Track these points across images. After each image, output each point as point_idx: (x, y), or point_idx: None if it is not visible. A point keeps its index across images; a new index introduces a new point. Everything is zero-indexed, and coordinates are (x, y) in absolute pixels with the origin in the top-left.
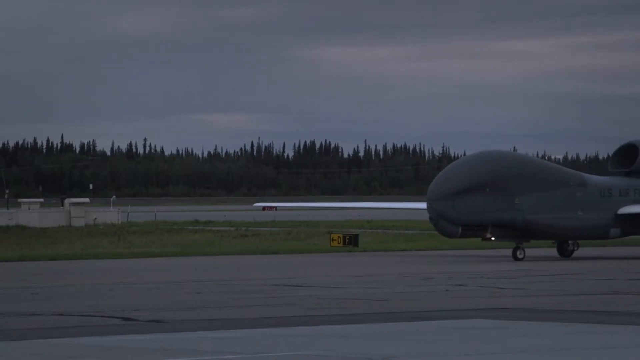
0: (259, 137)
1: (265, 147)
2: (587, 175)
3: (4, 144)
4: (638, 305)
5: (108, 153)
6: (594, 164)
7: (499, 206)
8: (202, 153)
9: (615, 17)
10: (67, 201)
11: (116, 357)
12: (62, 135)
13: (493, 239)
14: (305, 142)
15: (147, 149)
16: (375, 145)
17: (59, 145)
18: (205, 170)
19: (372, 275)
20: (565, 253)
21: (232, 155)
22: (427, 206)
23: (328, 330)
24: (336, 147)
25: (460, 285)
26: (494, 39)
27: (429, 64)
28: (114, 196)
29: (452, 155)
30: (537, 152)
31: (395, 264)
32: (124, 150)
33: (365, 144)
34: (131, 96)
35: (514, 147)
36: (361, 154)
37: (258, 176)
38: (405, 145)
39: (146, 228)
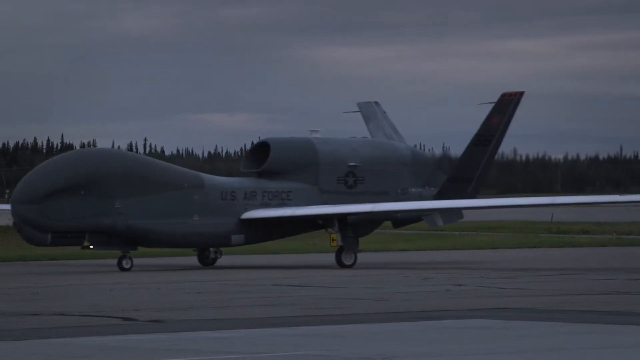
0: (259, 137)
1: None
2: (206, 176)
3: (4, 144)
4: (638, 305)
5: None
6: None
7: (96, 210)
8: (202, 153)
9: (616, 17)
10: None
11: (116, 357)
12: (62, 135)
13: (92, 247)
14: None
15: (147, 149)
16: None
17: (59, 145)
18: (206, 170)
19: (372, 275)
20: (206, 261)
21: (233, 155)
22: (11, 210)
23: (328, 330)
24: None
25: (460, 285)
26: (494, 39)
27: (428, 64)
28: None
29: (453, 155)
30: (537, 152)
31: (396, 264)
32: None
33: None
34: (131, 96)
35: (514, 147)
36: None
37: None
38: None
39: None
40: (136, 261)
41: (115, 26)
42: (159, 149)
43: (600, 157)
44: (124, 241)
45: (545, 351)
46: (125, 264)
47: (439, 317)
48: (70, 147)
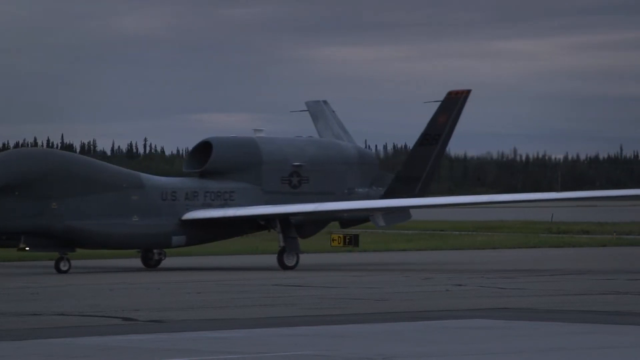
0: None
1: None
2: (145, 176)
3: (4, 144)
4: (638, 305)
5: (108, 153)
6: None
7: (32, 211)
8: None
9: (615, 17)
10: None
11: (116, 357)
12: (62, 135)
13: (28, 249)
14: None
15: (148, 148)
16: (376, 145)
17: (59, 145)
18: None
19: (372, 275)
20: (150, 263)
21: None
22: None
23: (328, 330)
24: None
25: (460, 285)
26: (494, 39)
27: (428, 64)
28: None
29: (452, 155)
30: (537, 152)
31: (396, 264)
32: (124, 150)
33: (365, 144)
34: (131, 96)
35: (514, 148)
36: None
37: None
38: (405, 145)
39: None
40: (75, 263)
41: (115, 26)
42: (159, 149)
43: (600, 157)
44: (61, 243)
45: (545, 351)
46: (63, 266)
47: (439, 317)
48: (70, 147)
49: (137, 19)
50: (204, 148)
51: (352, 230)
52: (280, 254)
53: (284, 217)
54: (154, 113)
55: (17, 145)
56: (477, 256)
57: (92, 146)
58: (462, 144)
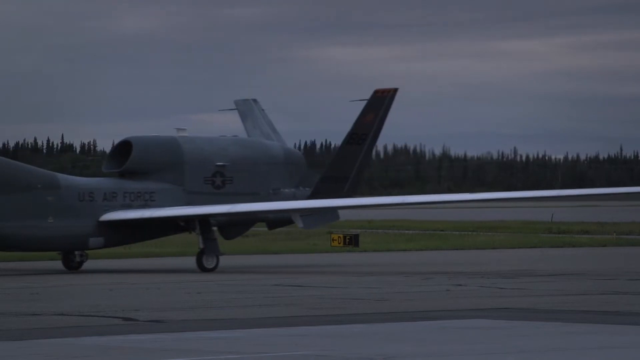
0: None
1: None
2: (62, 176)
3: (4, 144)
4: (638, 305)
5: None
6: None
7: None
8: None
9: (616, 16)
10: None
11: (116, 357)
12: (63, 135)
13: None
14: (306, 142)
15: None
16: (376, 146)
17: (59, 145)
18: None
19: (372, 275)
20: (71, 265)
21: None
22: None
23: (328, 330)
24: (336, 147)
25: (460, 285)
26: (494, 39)
27: (428, 64)
28: None
29: (452, 155)
30: (537, 152)
31: (396, 264)
32: None
33: None
34: (131, 96)
35: (514, 147)
36: None
37: None
38: (405, 146)
39: None
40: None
41: (115, 26)
42: None
43: (600, 157)
44: None
45: (545, 351)
46: None
47: (439, 317)
48: (70, 147)
49: (137, 19)
50: (124, 148)
51: (352, 230)
52: (200, 255)
53: (203, 218)
54: (154, 113)
55: (17, 145)
56: (477, 256)
57: (92, 146)
58: (462, 144)
